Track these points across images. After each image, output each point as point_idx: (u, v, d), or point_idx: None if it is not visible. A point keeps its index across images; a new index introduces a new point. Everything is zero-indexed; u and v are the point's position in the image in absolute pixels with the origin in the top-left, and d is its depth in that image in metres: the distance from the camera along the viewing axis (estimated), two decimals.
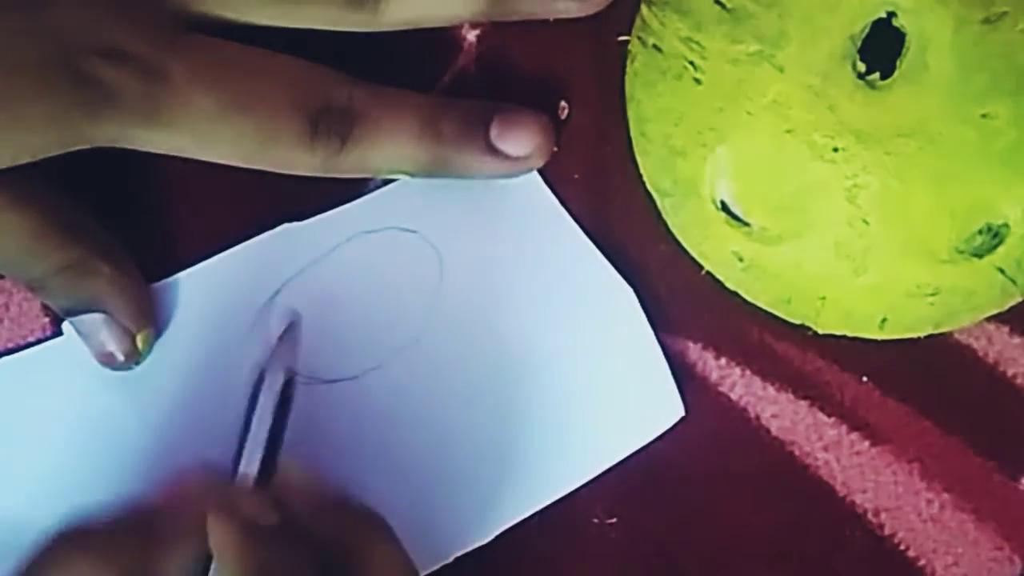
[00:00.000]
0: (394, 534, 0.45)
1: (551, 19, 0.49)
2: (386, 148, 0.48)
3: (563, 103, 0.51)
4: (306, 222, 0.50)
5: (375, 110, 0.47)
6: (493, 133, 0.49)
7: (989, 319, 0.49)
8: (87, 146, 0.45)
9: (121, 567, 0.42)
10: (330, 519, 0.45)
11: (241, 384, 0.50)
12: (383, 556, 0.44)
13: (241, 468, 0.45)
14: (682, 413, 0.50)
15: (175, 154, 0.46)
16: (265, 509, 0.44)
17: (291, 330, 0.48)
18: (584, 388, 0.50)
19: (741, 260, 0.47)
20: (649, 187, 0.49)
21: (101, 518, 0.44)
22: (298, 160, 0.47)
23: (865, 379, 0.50)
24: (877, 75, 0.45)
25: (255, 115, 0.46)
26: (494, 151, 0.49)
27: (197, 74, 0.45)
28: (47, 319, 0.51)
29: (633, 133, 0.49)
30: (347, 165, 0.47)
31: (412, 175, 0.49)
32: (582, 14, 0.48)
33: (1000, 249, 0.45)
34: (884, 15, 0.45)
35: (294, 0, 0.47)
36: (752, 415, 0.50)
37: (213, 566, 0.43)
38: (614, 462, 0.50)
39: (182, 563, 0.43)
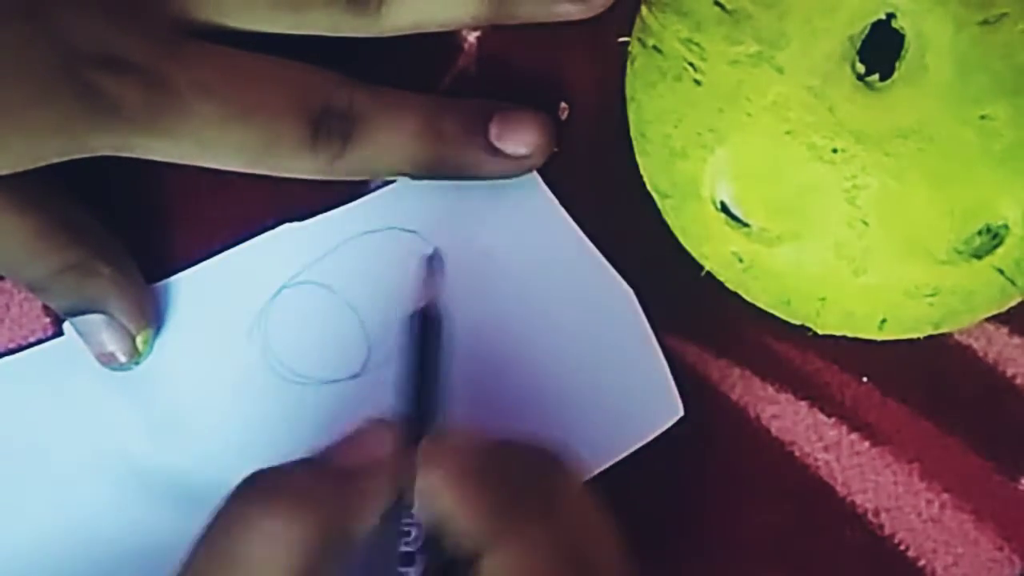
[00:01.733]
0: (570, 464, 0.44)
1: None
2: (387, 149, 0.48)
3: (563, 104, 0.51)
4: (306, 222, 0.51)
5: (375, 112, 0.47)
6: (493, 133, 0.49)
7: (989, 319, 0.49)
8: (89, 154, 0.45)
9: (314, 525, 0.41)
10: (512, 459, 0.44)
11: (240, 384, 0.50)
12: (568, 487, 0.44)
13: (430, 421, 0.46)
14: (681, 413, 0.50)
15: (177, 161, 0.46)
16: (477, 455, 0.43)
17: (431, 265, 0.48)
18: (584, 387, 0.50)
19: (741, 261, 0.47)
20: (649, 188, 0.49)
21: (290, 470, 0.43)
22: (300, 164, 0.47)
23: (865, 379, 0.50)
24: (876, 76, 0.45)
25: (257, 121, 0.46)
26: (494, 151, 0.49)
27: (198, 82, 0.45)
28: (48, 319, 0.51)
29: (633, 134, 0.49)
30: (349, 167, 0.48)
31: (413, 176, 0.49)
32: (582, 17, 0.48)
33: (999, 250, 0.45)
34: (883, 16, 0.44)
35: (295, 6, 0.47)
36: (752, 415, 0.50)
37: (405, 525, 0.43)
38: (612, 461, 0.50)
39: (373, 517, 0.43)
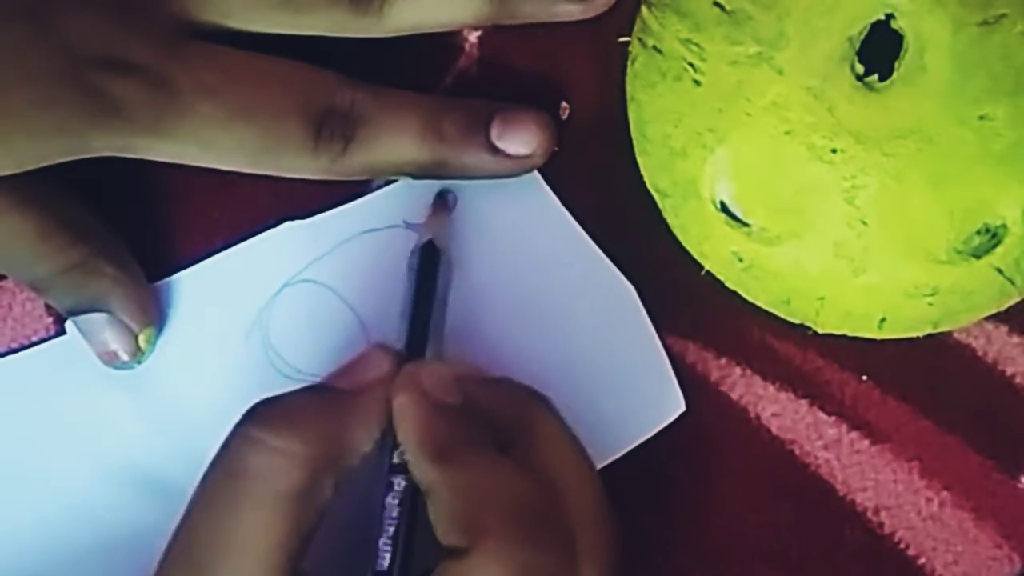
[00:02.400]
0: (554, 406, 0.46)
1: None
2: (389, 149, 0.48)
3: (564, 104, 0.51)
4: (308, 221, 0.51)
5: (377, 112, 0.47)
6: (494, 133, 0.49)
7: (988, 319, 0.49)
8: (92, 155, 0.45)
9: (313, 441, 0.43)
10: (497, 395, 0.46)
11: (242, 382, 0.50)
12: (550, 426, 0.46)
13: (420, 348, 0.48)
14: (683, 408, 0.50)
15: (180, 162, 0.46)
16: (448, 387, 0.46)
17: (440, 201, 0.50)
18: (586, 383, 0.50)
19: (741, 260, 0.47)
20: (649, 187, 0.49)
21: (290, 395, 0.45)
22: (302, 164, 0.47)
23: (865, 378, 0.50)
24: (875, 77, 0.45)
25: (259, 122, 0.46)
26: (495, 151, 0.49)
27: (201, 83, 0.46)
28: (50, 318, 0.51)
29: (633, 134, 0.49)
30: (350, 168, 0.48)
31: (415, 176, 0.49)
32: (583, 17, 0.48)
33: (998, 249, 0.45)
34: (883, 17, 0.45)
35: (297, 7, 0.47)
36: (752, 414, 0.51)
37: (398, 441, 0.45)
38: (616, 456, 0.50)
39: (370, 437, 0.45)
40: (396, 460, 0.45)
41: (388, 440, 0.45)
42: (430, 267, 0.49)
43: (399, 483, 0.45)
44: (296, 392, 0.45)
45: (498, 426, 0.45)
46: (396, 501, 0.45)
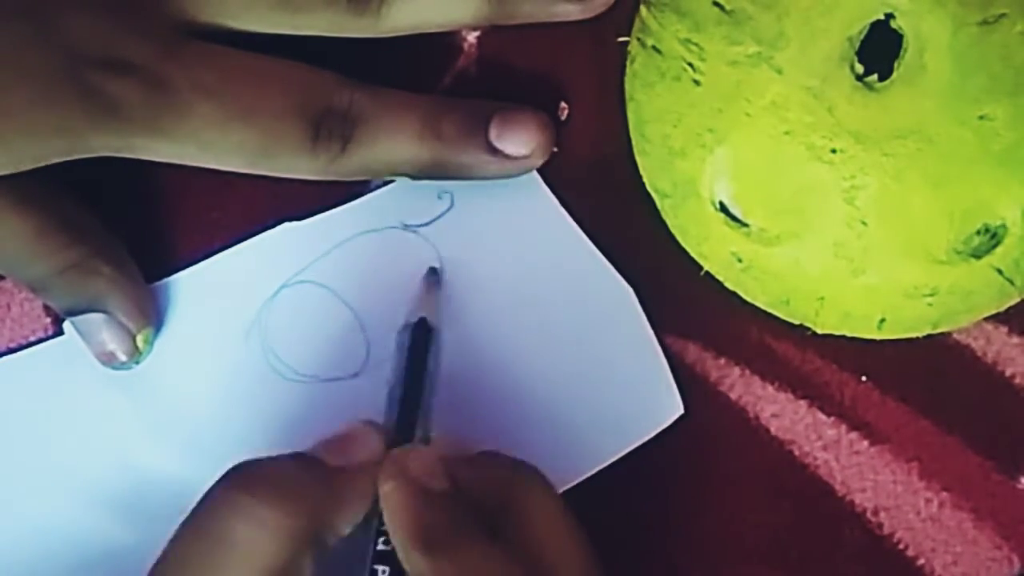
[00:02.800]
0: (546, 480, 0.45)
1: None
2: (387, 150, 0.48)
3: (563, 104, 0.51)
4: (306, 222, 0.51)
5: (375, 112, 0.47)
6: (493, 133, 0.49)
7: (987, 319, 0.49)
8: (90, 155, 0.45)
9: (298, 514, 0.42)
10: (486, 473, 0.45)
11: (240, 383, 0.50)
12: (541, 501, 0.45)
13: (408, 429, 0.47)
14: (681, 411, 0.50)
15: (178, 162, 0.46)
16: (435, 473, 0.44)
17: (429, 280, 0.50)
18: (584, 385, 0.50)
19: (740, 261, 0.47)
20: (648, 188, 0.49)
21: (277, 461, 0.44)
22: (301, 165, 0.47)
23: (864, 379, 0.50)
24: (875, 77, 0.45)
25: (258, 122, 0.46)
26: (494, 151, 0.49)
27: (199, 83, 0.45)
28: (48, 319, 0.51)
29: (632, 134, 0.49)
30: (349, 168, 0.48)
31: (413, 177, 0.49)
32: (582, 17, 0.48)
33: (998, 250, 0.45)
34: (882, 17, 0.45)
35: (295, 7, 0.47)
36: (751, 415, 0.51)
37: (383, 524, 0.44)
38: (613, 459, 0.50)
39: (354, 518, 0.44)
40: (381, 547, 0.44)
41: (373, 524, 0.44)
42: (421, 346, 0.48)
43: (383, 572, 0.44)
44: (282, 459, 0.44)
45: (488, 505, 0.44)
46: None
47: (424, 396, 0.47)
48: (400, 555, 0.43)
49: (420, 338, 0.48)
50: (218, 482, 0.43)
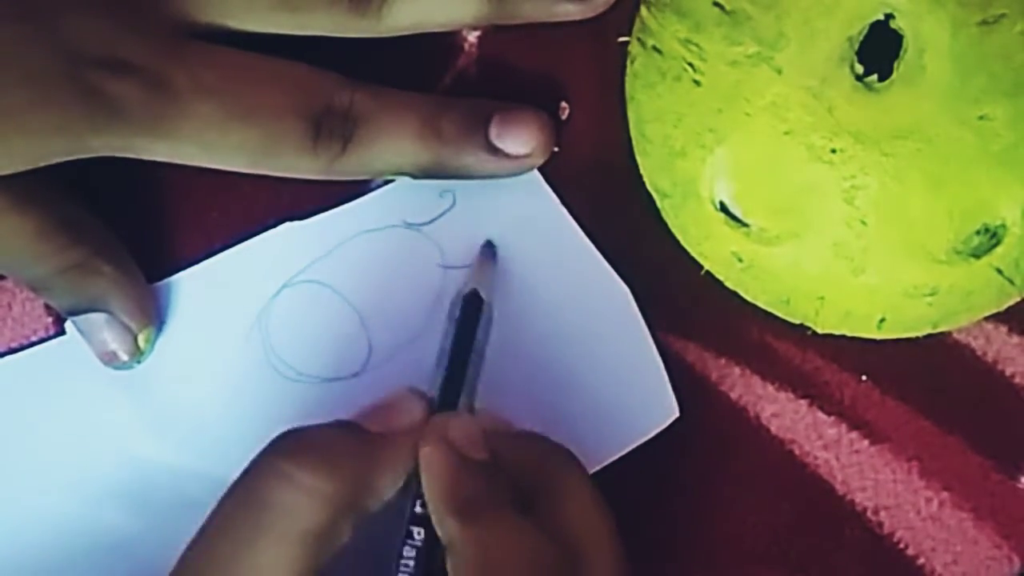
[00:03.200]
0: (582, 465, 0.46)
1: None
2: (388, 150, 0.48)
3: (563, 104, 0.51)
4: (307, 221, 0.51)
5: (376, 112, 0.47)
6: (493, 132, 0.49)
7: (987, 318, 0.49)
8: (90, 155, 0.45)
9: (341, 481, 0.43)
10: (525, 451, 0.46)
11: (242, 383, 0.50)
12: (575, 485, 0.45)
13: (452, 398, 0.47)
14: (676, 414, 0.50)
15: (179, 162, 0.46)
16: (476, 443, 0.45)
17: (484, 253, 0.50)
18: (580, 387, 0.50)
19: (740, 260, 0.47)
20: (649, 187, 0.49)
21: (320, 430, 0.45)
22: (301, 164, 0.47)
23: (864, 378, 0.50)
24: (875, 77, 0.45)
25: (258, 122, 0.46)
26: (494, 150, 0.49)
27: (200, 83, 0.46)
28: (50, 318, 0.51)
29: (633, 134, 0.49)
30: (349, 167, 0.48)
31: (414, 176, 0.49)
32: (583, 17, 0.48)
33: (998, 249, 0.45)
34: (882, 17, 0.45)
35: (296, 7, 0.47)
36: (752, 414, 0.51)
37: (421, 487, 0.45)
38: (608, 461, 0.50)
39: (395, 484, 0.45)
40: (418, 510, 0.45)
41: (412, 488, 0.45)
42: (471, 318, 0.48)
43: (418, 533, 0.45)
44: (326, 427, 0.45)
45: (523, 483, 0.45)
46: (413, 552, 0.44)
47: (470, 367, 0.48)
48: (434, 519, 0.44)
49: (470, 310, 0.48)
50: (264, 450, 0.44)
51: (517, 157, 0.49)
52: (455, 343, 0.48)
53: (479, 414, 0.48)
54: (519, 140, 0.49)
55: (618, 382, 0.50)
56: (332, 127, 0.47)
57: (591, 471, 0.49)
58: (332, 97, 0.47)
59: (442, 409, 0.47)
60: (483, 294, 0.49)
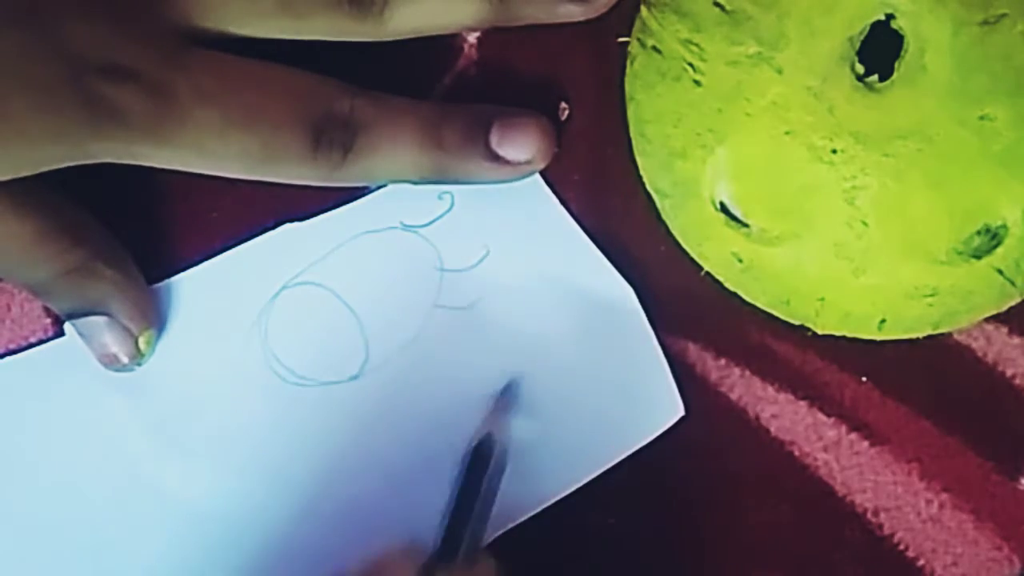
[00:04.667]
0: None
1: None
2: (388, 157, 0.48)
3: (563, 104, 0.51)
4: (307, 223, 0.51)
5: (376, 119, 0.47)
6: (493, 139, 0.49)
7: (988, 319, 0.49)
8: (90, 161, 0.45)
9: None
10: None
11: (240, 385, 0.50)
12: None
13: (452, 550, 0.46)
14: (682, 413, 0.50)
15: (179, 168, 0.46)
16: None
17: (503, 397, 0.49)
18: (584, 387, 0.50)
19: (740, 261, 0.47)
20: (649, 188, 0.49)
21: None
22: (301, 172, 0.47)
23: (864, 379, 0.50)
24: (876, 77, 0.45)
25: (259, 130, 0.46)
26: (495, 157, 0.49)
27: (200, 90, 0.45)
28: (49, 320, 0.51)
29: (633, 134, 0.49)
30: (350, 175, 0.48)
31: (415, 183, 0.49)
32: (584, 18, 0.48)
33: (998, 250, 0.45)
34: (883, 17, 0.45)
35: (298, 13, 0.47)
36: (752, 415, 0.51)
37: None
38: (613, 462, 0.50)
39: None
40: None
41: None
42: (479, 468, 0.48)
43: None
44: None
45: None
46: None
47: (475, 518, 0.47)
48: None
49: (479, 460, 0.48)
50: None
51: (518, 163, 0.49)
52: (460, 493, 0.47)
53: (479, 567, 0.47)
54: (520, 147, 0.49)
55: (623, 382, 0.50)
56: (332, 135, 0.47)
57: (598, 471, 0.49)
58: (332, 105, 0.47)
59: (441, 560, 0.46)
60: (497, 437, 0.48)
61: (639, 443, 0.50)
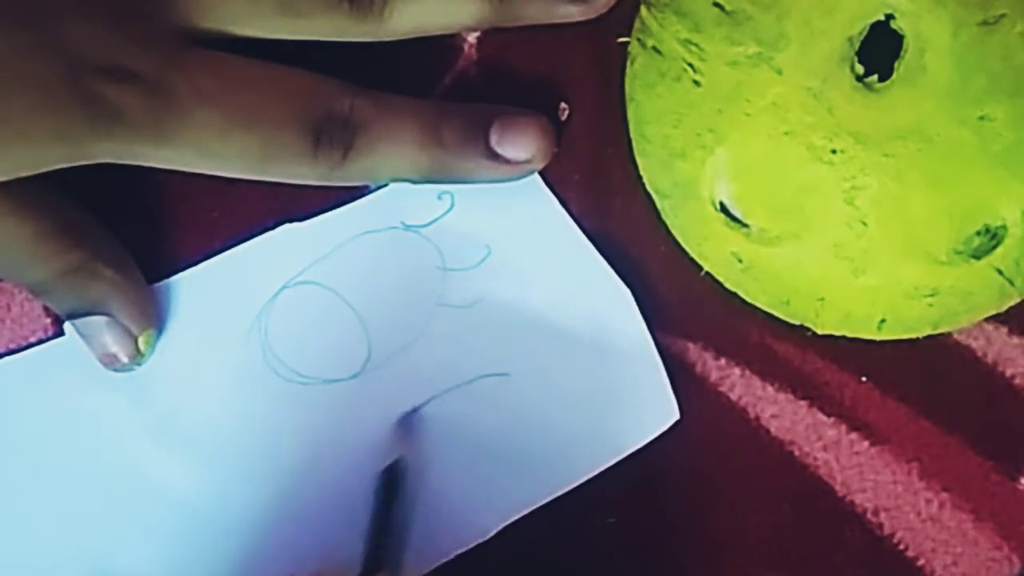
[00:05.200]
0: None
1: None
2: (388, 156, 0.48)
3: (563, 104, 0.51)
4: (307, 223, 0.51)
5: (376, 119, 0.47)
6: (493, 138, 0.49)
7: (988, 319, 0.49)
8: (90, 161, 0.45)
9: None
10: None
11: (240, 384, 0.50)
12: None
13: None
14: (677, 417, 0.50)
15: (180, 168, 0.46)
16: None
17: (406, 424, 0.49)
18: (578, 389, 0.50)
19: (740, 261, 0.47)
20: (648, 188, 0.49)
21: None
22: (302, 172, 0.47)
23: (864, 379, 0.50)
24: (875, 77, 0.45)
25: (259, 130, 0.46)
26: (495, 156, 0.49)
27: (200, 90, 0.45)
28: (49, 319, 0.51)
29: (633, 134, 0.49)
30: (350, 174, 0.48)
31: (415, 182, 0.49)
32: (584, 18, 0.48)
33: (998, 250, 0.45)
34: (882, 17, 0.45)
35: (298, 13, 0.47)
36: (752, 415, 0.51)
37: None
38: (607, 464, 0.50)
39: None
40: None
41: None
42: (391, 491, 0.48)
43: None
44: None
45: None
46: None
47: (391, 541, 0.47)
48: None
49: (390, 482, 0.48)
50: None
51: (518, 163, 0.49)
52: (374, 519, 0.47)
53: None
54: (520, 146, 0.49)
55: (618, 384, 0.50)
56: (332, 135, 0.47)
57: (589, 474, 0.49)
58: (332, 104, 0.47)
59: None
60: (403, 463, 0.48)
61: (632, 447, 0.50)
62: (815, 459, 0.50)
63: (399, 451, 0.49)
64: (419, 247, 0.51)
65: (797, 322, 0.48)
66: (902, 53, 0.45)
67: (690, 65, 0.46)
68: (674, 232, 0.49)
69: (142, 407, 0.50)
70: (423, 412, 0.50)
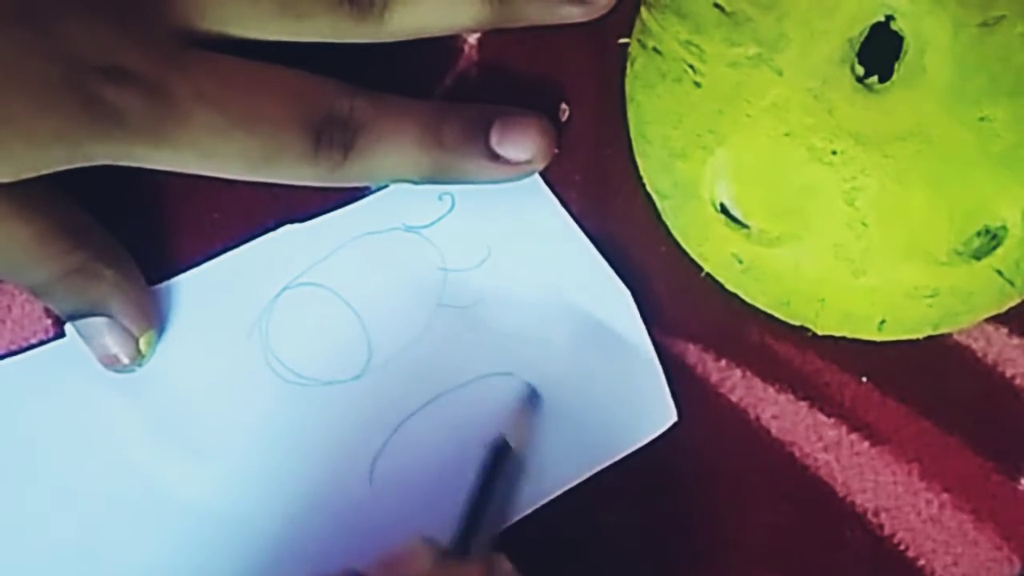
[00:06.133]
0: None
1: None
2: (388, 157, 0.48)
3: (563, 105, 0.51)
4: (308, 224, 0.51)
5: (377, 119, 0.47)
6: (494, 139, 0.49)
7: (988, 320, 0.49)
8: (90, 163, 0.45)
9: None
10: None
11: (241, 385, 0.50)
12: None
13: (465, 548, 0.46)
14: (675, 419, 0.50)
15: (179, 170, 0.46)
16: None
17: (528, 403, 0.49)
18: (577, 389, 0.50)
19: (740, 262, 0.47)
20: (649, 189, 0.49)
21: None
22: (302, 173, 0.47)
23: (864, 380, 0.50)
24: (875, 78, 0.45)
25: (259, 131, 0.46)
26: (495, 157, 0.49)
27: (200, 92, 0.45)
28: (49, 321, 0.51)
29: (633, 135, 0.49)
30: (350, 175, 0.48)
31: (415, 182, 0.49)
32: (584, 19, 0.48)
33: (998, 251, 0.45)
34: (882, 18, 0.45)
35: (298, 15, 0.47)
36: (752, 416, 0.51)
37: None
38: (604, 465, 0.50)
39: None
40: None
41: None
42: (495, 467, 0.48)
43: None
44: None
45: None
46: None
47: (489, 517, 0.47)
48: None
49: (495, 459, 0.48)
50: None
51: (518, 163, 0.49)
52: (475, 490, 0.47)
53: (495, 562, 0.46)
54: (520, 146, 0.49)
55: (617, 386, 0.50)
56: (332, 135, 0.47)
57: (587, 474, 0.49)
58: (332, 105, 0.47)
59: (456, 554, 0.46)
60: (514, 444, 0.48)
61: (630, 448, 0.50)
62: (815, 460, 0.51)
63: (509, 430, 0.48)
64: (420, 248, 0.51)
65: (797, 323, 0.48)
66: (902, 54, 0.45)
67: (690, 66, 0.46)
68: (674, 233, 0.49)
69: (143, 409, 0.50)
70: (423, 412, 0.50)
